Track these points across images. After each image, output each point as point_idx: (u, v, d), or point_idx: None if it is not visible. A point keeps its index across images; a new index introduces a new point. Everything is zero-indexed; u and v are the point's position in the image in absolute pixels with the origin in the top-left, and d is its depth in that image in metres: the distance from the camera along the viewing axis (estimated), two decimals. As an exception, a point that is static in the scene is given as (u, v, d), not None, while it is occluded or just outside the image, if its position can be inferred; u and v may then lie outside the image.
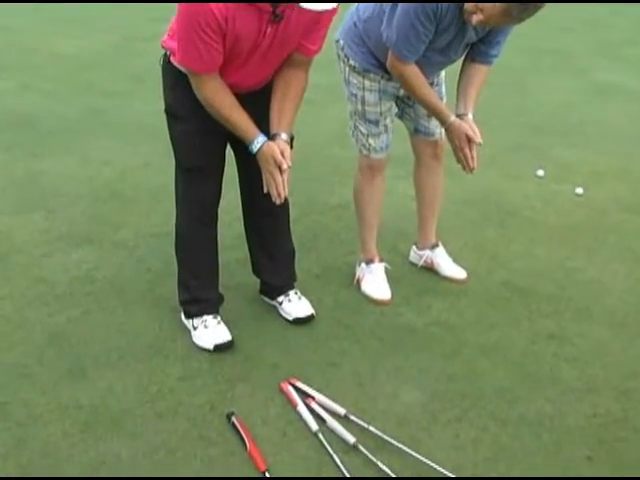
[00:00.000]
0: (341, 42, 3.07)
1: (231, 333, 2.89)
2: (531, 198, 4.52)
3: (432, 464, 2.30)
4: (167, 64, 2.63)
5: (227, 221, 3.80)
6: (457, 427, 2.52)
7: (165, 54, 2.63)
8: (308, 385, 2.64)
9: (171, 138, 2.80)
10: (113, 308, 3.12)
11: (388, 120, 3.19)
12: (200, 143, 2.71)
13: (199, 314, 2.91)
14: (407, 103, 3.20)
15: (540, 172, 4.92)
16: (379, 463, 2.29)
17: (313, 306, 3.11)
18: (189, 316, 2.94)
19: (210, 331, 2.88)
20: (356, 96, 3.11)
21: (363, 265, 3.37)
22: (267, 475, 2.26)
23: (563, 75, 8.02)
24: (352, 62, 3.05)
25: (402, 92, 3.12)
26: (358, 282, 3.35)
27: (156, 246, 3.65)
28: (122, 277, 3.36)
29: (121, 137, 5.27)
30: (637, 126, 6.22)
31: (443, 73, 3.22)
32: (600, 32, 11.52)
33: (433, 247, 3.51)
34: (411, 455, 2.34)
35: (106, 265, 3.45)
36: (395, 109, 3.23)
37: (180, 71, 2.54)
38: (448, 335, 3.04)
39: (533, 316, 3.22)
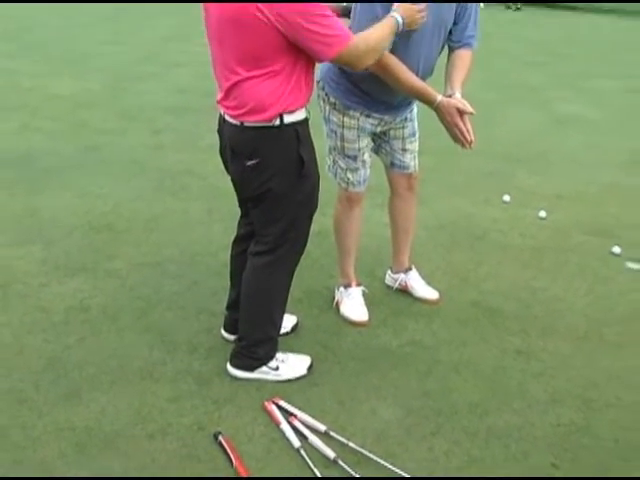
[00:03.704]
0: (321, 83, 3.07)
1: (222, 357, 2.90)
2: (498, 222, 4.56)
3: (407, 476, 2.30)
4: (279, 131, 2.48)
5: (214, 251, 3.84)
6: (431, 441, 2.52)
7: (261, 127, 2.48)
8: (290, 404, 2.63)
9: (302, 195, 2.63)
10: (106, 334, 3.10)
11: (366, 156, 3.18)
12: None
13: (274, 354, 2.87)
14: (383, 139, 3.22)
15: (506, 197, 4.97)
16: (358, 477, 2.29)
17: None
18: (268, 360, 2.84)
19: (292, 359, 2.88)
20: (336, 133, 3.11)
21: (342, 289, 3.37)
22: (252, 491, 2.25)
23: (527, 107, 8.13)
24: (332, 99, 3.05)
25: (379, 129, 3.13)
26: (337, 305, 3.35)
27: (147, 275, 3.65)
28: (115, 305, 3.34)
29: (114, 172, 5.27)
30: (594, 153, 6.32)
31: (415, 109, 3.23)
32: (560, 66, 11.70)
33: (407, 271, 3.53)
34: (388, 469, 2.33)
35: (100, 294, 3.44)
36: (372, 144, 3.23)
37: (299, 123, 2.52)
38: (422, 354, 3.04)
39: (501, 334, 3.23)
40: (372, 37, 2.50)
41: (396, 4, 2.64)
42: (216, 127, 2.71)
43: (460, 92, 2.89)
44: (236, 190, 2.78)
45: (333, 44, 2.36)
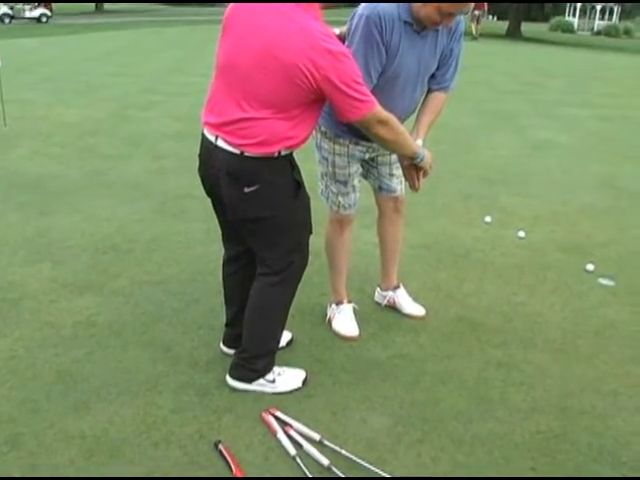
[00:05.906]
0: None
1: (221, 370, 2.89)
2: (480, 242, 4.58)
3: (397, 481, 2.31)
4: (276, 160, 2.49)
5: (212, 269, 3.84)
6: (419, 448, 2.52)
7: (262, 158, 2.46)
8: (286, 414, 2.63)
9: (299, 217, 2.67)
10: (112, 348, 3.09)
11: (356, 181, 3.19)
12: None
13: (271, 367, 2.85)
14: (371, 164, 3.22)
15: (487, 218, 4.99)
16: (350, 482, 2.29)
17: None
18: (266, 373, 2.83)
19: (288, 372, 2.87)
20: (327, 160, 3.12)
21: (334, 306, 3.37)
22: (251, 496, 2.24)
23: (506, 133, 8.19)
24: (323, 128, 3.05)
25: (367, 155, 3.14)
26: (329, 321, 3.35)
27: (149, 292, 3.65)
28: (120, 321, 3.33)
29: (119, 195, 5.29)
30: (569, 176, 6.38)
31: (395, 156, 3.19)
32: (536, 95, 11.82)
33: (395, 288, 3.53)
34: (378, 474, 2.34)
35: (106, 310, 3.44)
36: (361, 170, 3.22)
37: (291, 153, 2.54)
38: (410, 366, 3.04)
39: (484, 346, 3.24)
40: (399, 129, 2.61)
41: (426, 152, 2.82)
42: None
43: (423, 139, 2.96)
44: (222, 213, 2.70)
45: (362, 108, 2.42)
